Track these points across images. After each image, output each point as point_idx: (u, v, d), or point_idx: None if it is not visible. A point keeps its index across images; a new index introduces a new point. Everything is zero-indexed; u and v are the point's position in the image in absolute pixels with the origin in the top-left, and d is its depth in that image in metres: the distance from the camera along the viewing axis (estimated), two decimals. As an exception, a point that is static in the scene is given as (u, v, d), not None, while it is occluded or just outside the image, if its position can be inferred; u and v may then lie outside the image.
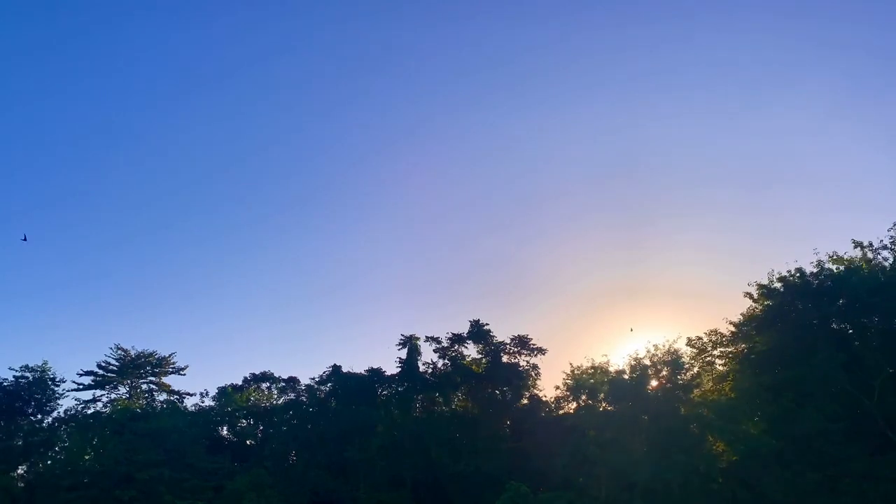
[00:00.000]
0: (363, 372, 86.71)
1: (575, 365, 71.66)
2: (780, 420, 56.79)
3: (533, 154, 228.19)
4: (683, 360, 66.11)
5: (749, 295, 64.90)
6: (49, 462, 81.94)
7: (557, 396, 78.42)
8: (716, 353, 67.47)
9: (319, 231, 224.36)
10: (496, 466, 73.92)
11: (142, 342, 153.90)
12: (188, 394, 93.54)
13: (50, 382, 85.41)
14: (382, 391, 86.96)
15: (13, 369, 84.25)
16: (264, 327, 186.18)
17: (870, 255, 61.24)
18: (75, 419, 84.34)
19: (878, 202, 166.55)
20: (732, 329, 65.48)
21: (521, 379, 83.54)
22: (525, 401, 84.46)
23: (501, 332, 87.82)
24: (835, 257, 61.91)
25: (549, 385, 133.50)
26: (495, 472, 72.38)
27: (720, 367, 67.81)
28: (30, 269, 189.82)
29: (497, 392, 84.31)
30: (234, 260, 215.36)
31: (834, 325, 61.32)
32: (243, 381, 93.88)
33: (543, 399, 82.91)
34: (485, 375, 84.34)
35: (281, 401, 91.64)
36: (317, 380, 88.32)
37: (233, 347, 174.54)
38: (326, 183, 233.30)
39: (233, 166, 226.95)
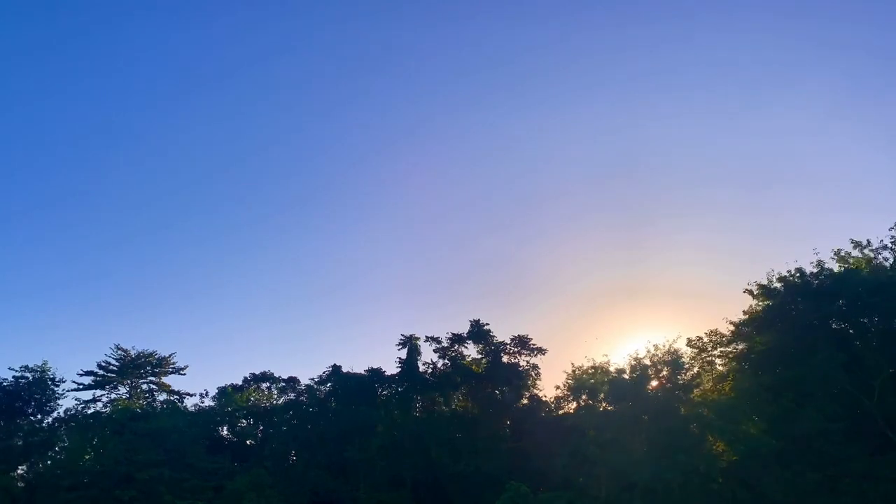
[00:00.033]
0: (363, 372, 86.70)
1: (575, 365, 71.77)
2: (780, 420, 56.73)
3: (533, 154, 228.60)
4: (683, 360, 66.07)
5: (749, 293, 64.98)
6: (49, 462, 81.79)
7: (557, 396, 78.53)
8: (716, 352, 67.45)
9: (319, 231, 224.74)
10: (496, 466, 73.88)
11: (142, 342, 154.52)
12: (188, 394, 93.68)
13: (50, 382, 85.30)
14: (382, 391, 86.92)
15: (13, 369, 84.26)
16: (264, 327, 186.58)
17: (870, 254, 61.33)
18: (75, 419, 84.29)
19: (878, 202, 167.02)
20: (732, 329, 65.48)
21: (521, 379, 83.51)
22: (525, 401, 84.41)
23: (501, 332, 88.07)
24: (838, 255, 61.95)
25: (549, 385, 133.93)
26: (495, 472, 72.34)
27: (720, 367, 67.81)
28: (30, 269, 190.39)
29: (497, 392, 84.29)
30: (234, 260, 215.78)
31: (834, 325, 61.30)
32: (243, 381, 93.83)
33: (543, 399, 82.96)
34: (485, 375, 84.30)
35: (281, 401, 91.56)
36: (317, 380, 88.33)
37: (233, 347, 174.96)
38: (326, 183, 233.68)
39: (233, 166, 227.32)
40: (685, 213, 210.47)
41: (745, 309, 65.13)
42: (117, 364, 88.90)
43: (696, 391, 65.80)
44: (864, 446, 54.02)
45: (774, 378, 58.93)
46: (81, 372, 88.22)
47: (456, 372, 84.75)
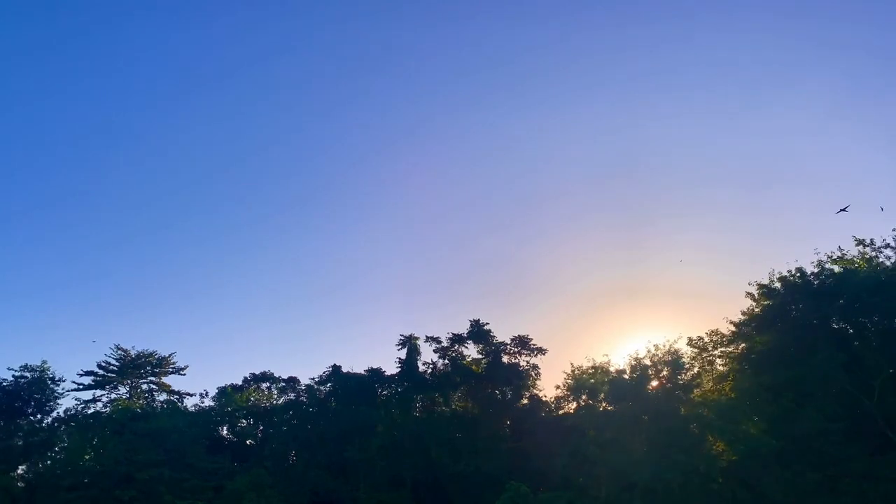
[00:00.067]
0: (363, 372, 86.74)
1: (575, 365, 71.88)
2: (780, 420, 56.79)
3: (533, 154, 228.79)
4: (684, 360, 66.14)
5: (749, 294, 64.96)
6: (49, 462, 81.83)
7: (557, 396, 78.54)
8: (716, 352, 67.53)
9: (319, 231, 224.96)
10: (496, 466, 73.89)
11: (142, 342, 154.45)
12: (188, 394, 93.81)
13: (50, 382, 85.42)
14: (382, 391, 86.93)
15: (13, 369, 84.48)
16: (264, 327, 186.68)
17: (872, 253, 61.27)
18: (75, 419, 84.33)
19: (878, 202, 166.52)
20: (733, 329, 65.57)
21: (521, 379, 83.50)
22: (525, 401, 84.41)
23: (501, 332, 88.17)
24: (836, 257, 61.93)
25: (549, 385, 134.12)
26: (495, 472, 72.36)
27: (720, 367, 67.82)
28: (30, 269, 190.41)
29: (497, 392, 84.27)
30: (234, 260, 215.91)
31: (834, 325, 61.37)
32: (243, 381, 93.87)
33: (543, 399, 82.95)
34: (485, 375, 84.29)
35: (281, 401, 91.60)
36: (317, 380, 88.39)
37: (233, 347, 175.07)
38: (326, 183, 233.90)
39: (233, 166, 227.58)
40: (685, 213, 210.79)
41: (745, 309, 65.26)
42: (117, 364, 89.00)
43: (696, 391, 65.79)
44: (864, 446, 54.04)
45: (774, 378, 58.88)
46: (81, 372, 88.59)
47: (456, 372, 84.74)
